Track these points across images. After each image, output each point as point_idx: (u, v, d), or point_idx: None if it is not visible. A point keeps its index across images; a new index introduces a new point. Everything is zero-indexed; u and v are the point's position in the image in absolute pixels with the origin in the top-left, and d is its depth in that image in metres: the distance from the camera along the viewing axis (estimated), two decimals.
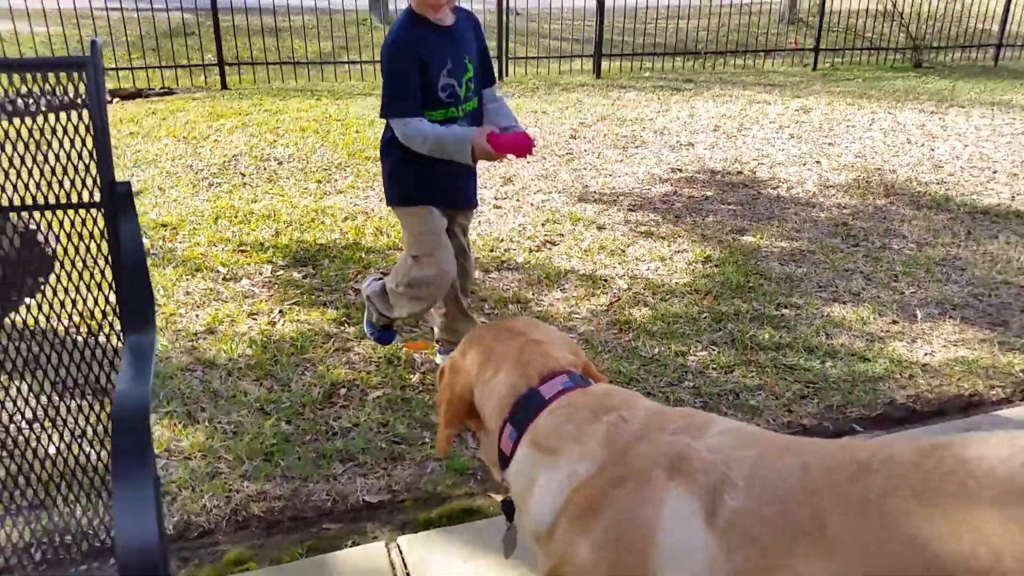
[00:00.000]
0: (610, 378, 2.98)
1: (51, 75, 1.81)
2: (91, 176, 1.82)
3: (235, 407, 2.75)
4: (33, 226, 3.47)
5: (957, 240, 4.41)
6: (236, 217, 4.44)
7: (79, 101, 1.82)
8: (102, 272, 1.90)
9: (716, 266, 4.01)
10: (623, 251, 4.18)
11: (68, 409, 2.01)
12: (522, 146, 2.51)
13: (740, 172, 5.58)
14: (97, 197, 1.83)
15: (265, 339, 3.18)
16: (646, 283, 3.82)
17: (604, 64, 9.37)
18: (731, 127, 6.82)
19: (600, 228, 4.49)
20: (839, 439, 1.54)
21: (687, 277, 3.89)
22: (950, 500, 1.13)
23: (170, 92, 7.87)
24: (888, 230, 4.54)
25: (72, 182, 1.83)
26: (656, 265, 4.02)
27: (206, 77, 8.34)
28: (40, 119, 1.84)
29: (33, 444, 2.15)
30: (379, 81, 3.36)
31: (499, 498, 1.62)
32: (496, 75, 3.00)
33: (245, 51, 9.08)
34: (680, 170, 5.59)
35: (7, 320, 2.21)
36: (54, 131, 1.82)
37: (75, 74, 1.81)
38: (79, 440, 2.03)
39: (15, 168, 1.81)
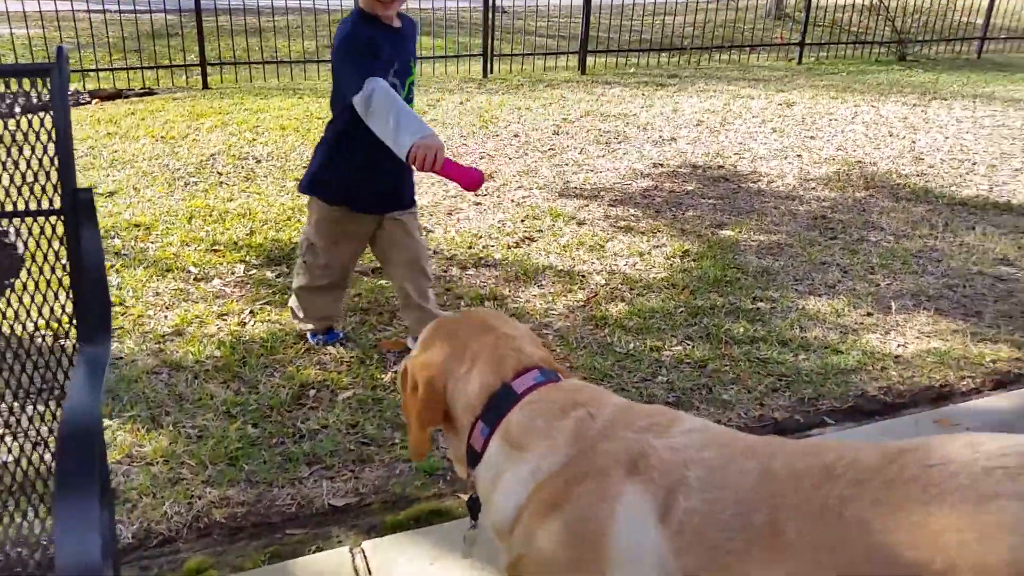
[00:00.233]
0: (584, 375, 2.97)
1: (15, 81, 1.79)
2: (52, 183, 1.79)
3: (200, 410, 2.72)
4: (1, 230, 3.43)
5: (935, 232, 4.40)
6: (211, 216, 4.40)
7: (43, 107, 1.80)
8: (60, 281, 1.88)
9: (694, 260, 4.00)
10: (602, 247, 4.16)
11: (17, 417, 1.98)
12: (473, 180, 2.47)
13: (721, 166, 5.56)
14: (58, 204, 1.81)
15: (234, 340, 3.15)
16: (624, 278, 3.80)
17: (589, 60, 9.35)
18: (714, 122, 6.80)
19: (580, 224, 4.47)
20: (808, 440, 1.52)
21: (665, 272, 3.87)
22: (910, 507, 1.12)
23: (151, 92, 7.82)
24: (866, 222, 4.53)
25: (31, 189, 1.80)
26: (634, 260, 4.00)
27: (187, 77, 8.29)
28: (1, 125, 1.82)
29: None
30: None
31: (466, 497, 1.59)
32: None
33: (228, 51, 9.02)
34: (662, 165, 5.57)
35: None
36: (14, 138, 1.80)
37: (39, 81, 1.79)
38: (38, 447, 2.00)
39: None
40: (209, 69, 8.17)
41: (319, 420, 2.71)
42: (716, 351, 3.17)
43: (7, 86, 1.80)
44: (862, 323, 3.40)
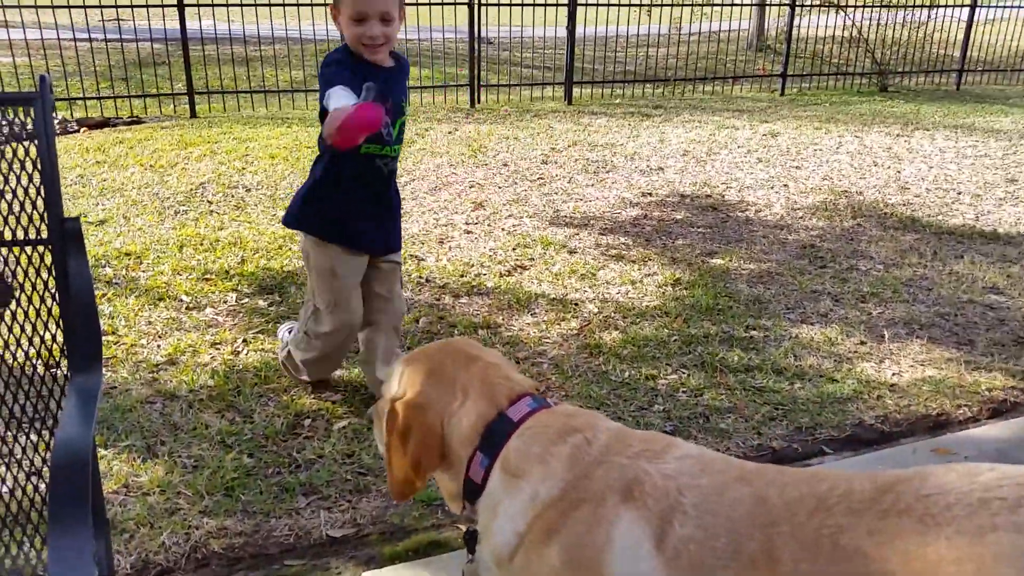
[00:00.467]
0: (580, 403, 2.96)
1: None
2: (38, 212, 1.78)
3: (196, 440, 2.69)
4: None
5: (923, 260, 4.45)
6: (202, 245, 4.38)
7: (27, 137, 1.79)
8: (49, 310, 1.85)
9: (686, 289, 4.01)
10: (594, 275, 4.17)
11: (20, 447, 1.94)
12: (367, 120, 2.04)
13: (709, 196, 5.61)
14: (45, 233, 1.79)
15: (228, 369, 3.12)
16: (616, 306, 3.80)
17: (575, 91, 9.44)
18: (700, 152, 6.87)
19: (571, 252, 4.48)
20: (802, 468, 1.52)
21: (657, 300, 3.88)
22: (905, 538, 1.12)
23: (138, 121, 7.81)
24: (855, 251, 4.57)
25: (18, 219, 1.79)
26: (626, 288, 4.01)
27: (175, 106, 8.29)
28: None
29: None
30: None
31: (464, 528, 1.56)
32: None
33: (215, 80, 9.04)
34: (650, 194, 5.61)
35: None
36: None
37: (23, 110, 1.78)
38: (30, 477, 1.96)
39: None
40: (197, 98, 8.19)
41: (315, 450, 2.68)
42: (711, 379, 3.18)
43: None
44: (856, 352, 3.42)
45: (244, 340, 3.35)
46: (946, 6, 10.89)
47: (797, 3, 10.34)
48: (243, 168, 5.95)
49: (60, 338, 1.79)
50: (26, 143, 1.81)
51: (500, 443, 1.41)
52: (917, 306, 3.86)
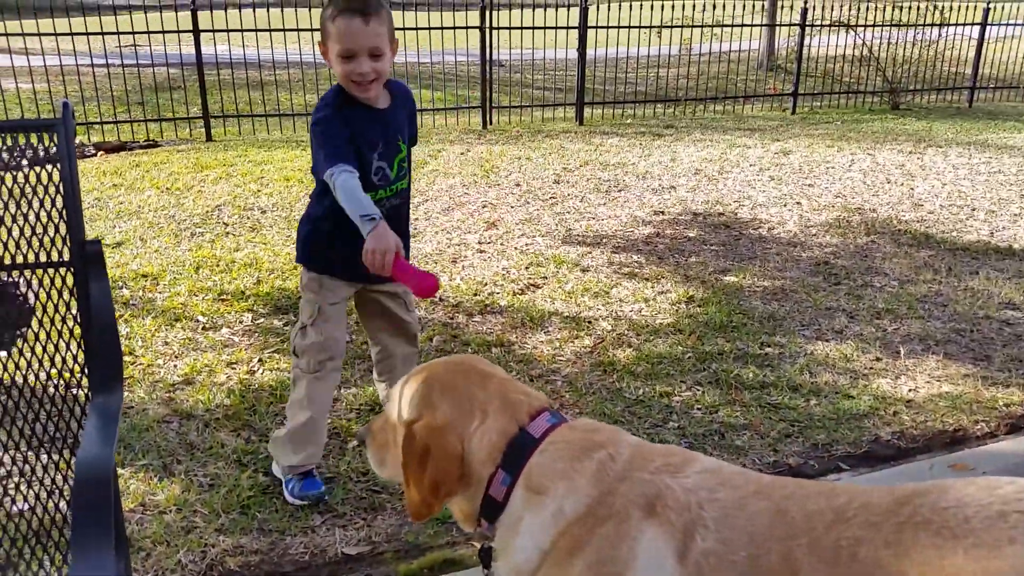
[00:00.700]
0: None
1: (22, 137, 1.82)
2: (60, 235, 1.81)
3: (212, 459, 2.70)
4: (10, 280, 3.44)
5: (938, 276, 4.43)
6: (218, 266, 4.42)
7: (50, 161, 1.82)
8: (71, 331, 1.88)
9: (699, 306, 4.01)
10: (607, 293, 4.17)
11: (42, 465, 1.96)
12: (427, 287, 2.12)
13: (722, 214, 5.62)
14: (67, 256, 1.82)
15: (244, 388, 3.14)
16: (630, 324, 3.81)
17: (586, 112, 9.49)
18: (712, 170, 6.89)
19: (584, 270, 4.49)
20: (820, 481, 1.52)
21: (671, 317, 3.88)
22: (923, 550, 1.12)
23: (155, 145, 7.90)
24: (870, 268, 4.56)
25: (42, 241, 1.82)
26: (640, 306, 4.01)
27: (191, 130, 8.39)
28: (9, 179, 1.84)
29: (1, 500, 2.10)
30: None
31: (478, 545, 1.54)
32: (416, 138, 2.67)
33: (230, 104, 9.15)
34: (662, 212, 5.63)
35: None
36: (23, 191, 1.82)
37: (46, 135, 1.82)
38: (50, 497, 1.98)
39: None
40: (212, 122, 8.28)
41: (330, 468, 2.69)
42: (726, 396, 3.17)
43: (15, 141, 1.83)
44: (872, 368, 3.40)
45: (260, 360, 3.37)
46: (957, 24, 10.90)
47: (807, 23, 10.38)
48: (258, 190, 6.01)
49: (81, 358, 1.82)
50: (48, 167, 1.85)
51: (522, 460, 1.39)
52: (932, 322, 3.84)
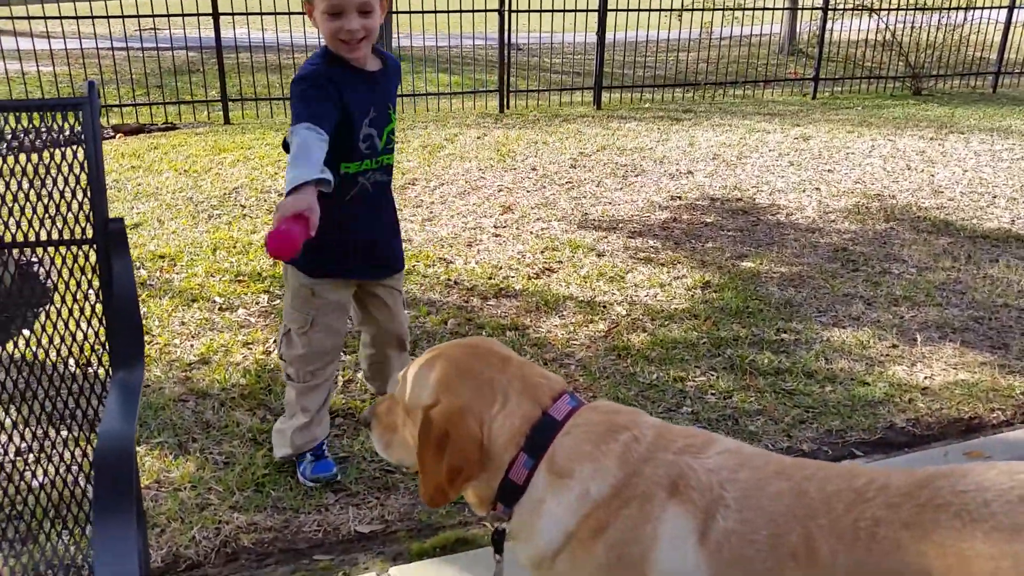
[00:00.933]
0: None
1: (48, 115, 1.84)
2: (84, 213, 1.83)
3: (227, 437, 2.73)
4: (28, 260, 3.48)
5: (957, 264, 4.38)
6: (235, 248, 4.44)
7: (75, 140, 1.84)
8: (92, 307, 1.90)
9: (715, 292, 3.99)
10: (622, 277, 4.16)
11: (56, 442, 1.99)
12: (277, 242, 1.78)
13: (740, 199, 5.58)
14: (90, 234, 1.85)
15: (259, 368, 3.16)
16: (645, 309, 3.80)
17: (604, 96, 9.44)
18: (731, 155, 6.84)
19: (599, 255, 4.48)
20: (840, 463, 1.52)
21: (686, 303, 3.87)
22: (942, 533, 1.13)
23: (173, 127, 7.94)
24: (888, 255, 4.52)
25: (66, 219, 1.84)
26: (655, 291, 4.00)
27: (209, 112, 8.42)
28: (36, 158, 1.86)
29: (19, 477, 2.13)
30: None
31: (492, 527, 1.52)
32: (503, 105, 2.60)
33: (248, 87, 9.18)
34: (680, 197, 5.60)
35: (1, 351, 2.20)
36: (48, 170, 1.84)
37: (72, 115, 1.83)
38: (64, 474, 2.01)
39: (7, 205, 1.83)
40: (230, 104, 8.31)
41: (343, 448, 2.71)
42: (740, 382, 3.16)
43: (42, 120, 1.85)
44: (888, 355, 3.38)
45: (275, 340, 3.39)
46: (982, 8, 10.73)
47: (829, 7, 10.25)
48: (275, 173, 6.03)
49: (102, 335, 1.84)
50: (72, 147, 1.87)
51: (546, 443, 1.38)
52: (950, 310, 3.81)
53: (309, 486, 2.50)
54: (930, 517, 1.14)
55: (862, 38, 11.14)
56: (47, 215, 1.86)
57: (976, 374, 3.22)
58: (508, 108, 9.01)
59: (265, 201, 5.35)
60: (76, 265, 1.88)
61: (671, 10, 10.12)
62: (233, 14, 8.36)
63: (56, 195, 1.85)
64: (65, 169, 1.83)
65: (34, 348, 1.91)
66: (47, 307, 1.98)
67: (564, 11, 9.45)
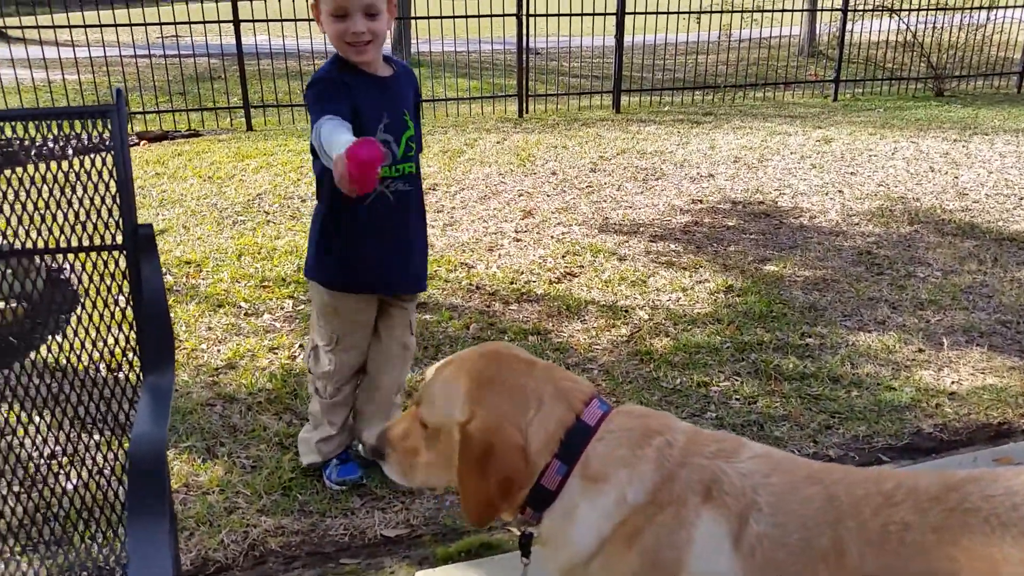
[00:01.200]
0: None
1: (77, 123, 1.87)
2: (114, 219, 1.86)
3: (254, 441, 2.75)
4: (56, 267, 3.53)
5: (983, 267, 4.34)
6: (259, 254, 4.48)
7: (104, 147, 1.87)
8: (123, 312, 1.93)
9: (738, 296, 3.98)
10: (644, 282, 4.16)
11: (88, 446, 2.02)
12: (364, 161, 1.75)
13: (762, 202, 5.56)
14: (120, 239, 1.87)
15: (285, 373, 3.19)
16: (667, 313, 3.79)
17: (623, 99, 9.43)
18: (752, 158, 6.81)
19: (621, 259, 4.48)
20: (868, 468, 1.51)
21: (709, 307, 3.86)
22: (970, 537, 1.13)
23: (196, 134, 8.02)
24: (913, 258, 4.49)
25: (95, 225, 1.87)
26: (677, 295, 3.99)
27: (232, 119, 8.50)
28: (66, 165, 1.89)
29: (52, 480, 2.16)
30: None
31: (520, 531, 1.52)
32: (422, 144, 2.46)
33: (270, 94, 9.26)
34: (701, 201, 5.58)
35: (30, 357, 2.24)
36: (78, 176, 1.87)
37: (100, 122, 1.86)
38: (98, 476, 2.04)
39: (39, 212, 1.86)
40: (253, 111, 8.38)
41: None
42: (765, 387, 3.14)
43: (71, 127, 1.88)
44: (914, 359, 3.35)
45: (300, 345, 3.42)
46: (1005, 7, 10.62)
47: (849, 8, 10.19)
48: (298, 179, 6.08)
49: (132, 339, 1.86)
50: (100, 154, 1.90)
51: (579, 449, 1.36)
52: (977, 313, 3.77)
53: (336, 490, 2.52)
54: (958, 521, 1.14)
55: (883, 39, 11.06)
56: (77, 221, 1.89)
57: (1005, 379, 3.19)
58: (527, 112, 9.03)
59: (288, 207, 5.39)
60: (107, 271, 1.90)
61: (690, 12, 10.10)
62: (254, 21, 8.44)
63: (86, 202, 1.87)
64: (95, 176, 1.86)
65: (66, 353, 1.94)
66: (76, 313, 2.01)
67: (582, 15, 9.45)
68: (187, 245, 4.63)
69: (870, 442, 2.81)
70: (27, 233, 1.87)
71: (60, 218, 1.84)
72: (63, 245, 1.91)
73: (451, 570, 2.20)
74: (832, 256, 4.52)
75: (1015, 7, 10.62)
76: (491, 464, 1.34)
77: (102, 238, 1.89)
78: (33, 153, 1.93)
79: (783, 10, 10.80)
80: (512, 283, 4.14)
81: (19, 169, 1.90)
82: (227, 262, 4.35)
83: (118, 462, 2.04)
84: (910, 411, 2.98)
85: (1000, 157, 6.75)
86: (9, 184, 1.85)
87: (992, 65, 10.90)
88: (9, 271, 1.95)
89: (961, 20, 10.55)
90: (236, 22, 8.14)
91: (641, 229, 4.98)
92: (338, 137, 1.93)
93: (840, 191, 5.80)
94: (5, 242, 1.89)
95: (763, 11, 10.61)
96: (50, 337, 2.20)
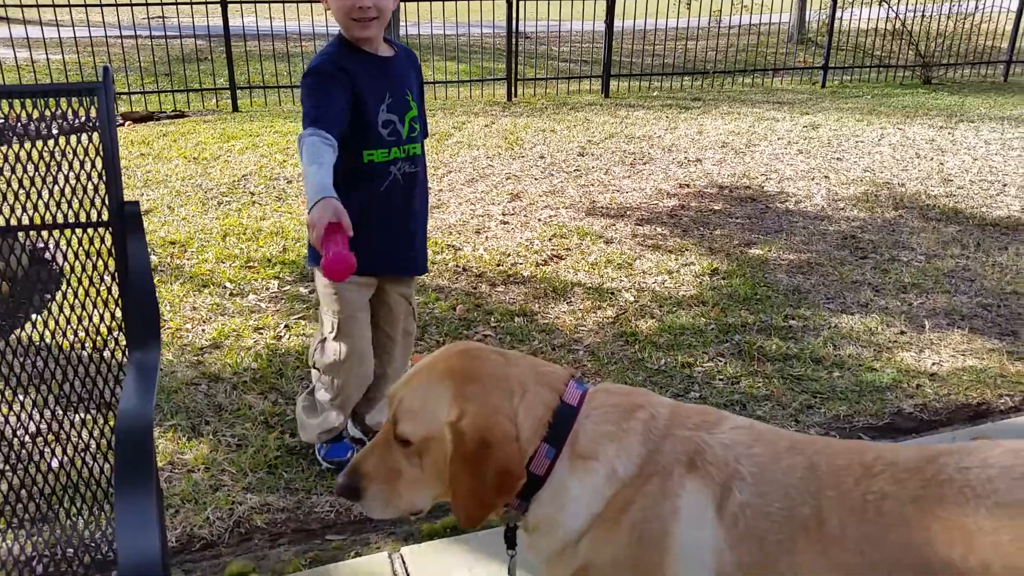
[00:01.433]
0: None
1: (64, 100, 1.85)
2: (100, 196, 1.85)
3: (239, 420, 2.76)
4: (41, 245, 3.52)
5: (966, 252, 4.38)
6: (244, 235, 4.47)
7: (90, 125, 1.86)
8: (108, 289, 1.93)
9: (723, 278, 4.00)
10: (630, 264, 4.17)
11: (72, 423, 2.02)
12: (335, 266, 1.85)
13: (748, 187, 5.58)
14: (106, 216, 1.86)
15: (270, 353, 3.19)
16: (653, 295, 3.81)
17: (612, 84, 9.42)
18: (739, 143, 6.83)
19: (607, 242, 4.49)
20: (849, 440, 1.53)
21: (694, 289, 3.88)
22: (946, 507, 1.16)
23: (182, 115, 7.96)
24: (897, 242, 4.52)
25: (81, 202, 1.86)
26: (663, 278, 4.01)
27: (217, 100, 8.44)
28: (52, 143, 1.88)
29: (36, 458, 2.16)
30: None
31: (504, 523, 1.49)
32: (428, 129, 2.49)
33: (257, 75, 9.19)
34: (688, 185, 5.60)
35: (13, 336, 2.23)
36: (64, 153, 1.86)
37: (87, 99, 1.85)
38: (82, 454, 2.04)
39: (24, 190, 1.85)
40: (239, 93, 8.32)
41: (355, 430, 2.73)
42: (748, 368, 3.17)
43: (57, 104, 1.87)
44: (896, 341, 3.39)
45: (286, 325, 3.42)
46: None
47: None
48: (284, 161, 6.05)
49: (117, 318, 1.86)
50: (84, 134, 1.89)
51: (566, 430, 1.35)
52: (959, 297, 3.81)
53: (324, 468, 2.53)
54: (935, 492, 1.17)
55: (871, 27, 11.08)
56: (63, 198, 1.88)
57: (984, 360, 3.23)
58: (516, 96, 9.01)
59: (273, 188, 5.37)
60: (92, 248, 1.90)
61: None
62: (241, 2, 8.36)
63: (72, 179, 1.87)
64: (80, 152, 1.85)
65: (51, 331, 1.94)
66: (62, 290, 2.01)
67: None
68: (172, 225, 4.61)
69: (851, 421, 2.84)
70: (11, 210, 1.86)
71: (46, 195, 1.83)
72: (48, 222, 1.90)
73: (436, 546, 2.22)
74: (817, 240, 4.55)
75: None
76: (488, 459, 1.30)
77: (88, 215, 1.89)
78: (18, 129, 1.91)
79: None
80: (499, 265, 4.15)
81: (4, 147, 1.89)
82: (212, 243, 4.34)
83: (104, 439, 2.04)
84: (891, 391, 3.01)
85: (985, 144, 6.80)
86: None
87: (980, 54, 10.94)
88: None
89: (950, 9, 10.58)
90: (223, 2, 8.07)
91: (628, 213, 4.99)
92: (318, 173, 1.95)
93: (826, 176, 5.83)
94: None
95: None
96: (34, 315, 2.19)
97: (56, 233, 1.93)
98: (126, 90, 8.26)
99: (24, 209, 1.86)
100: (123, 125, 7.48)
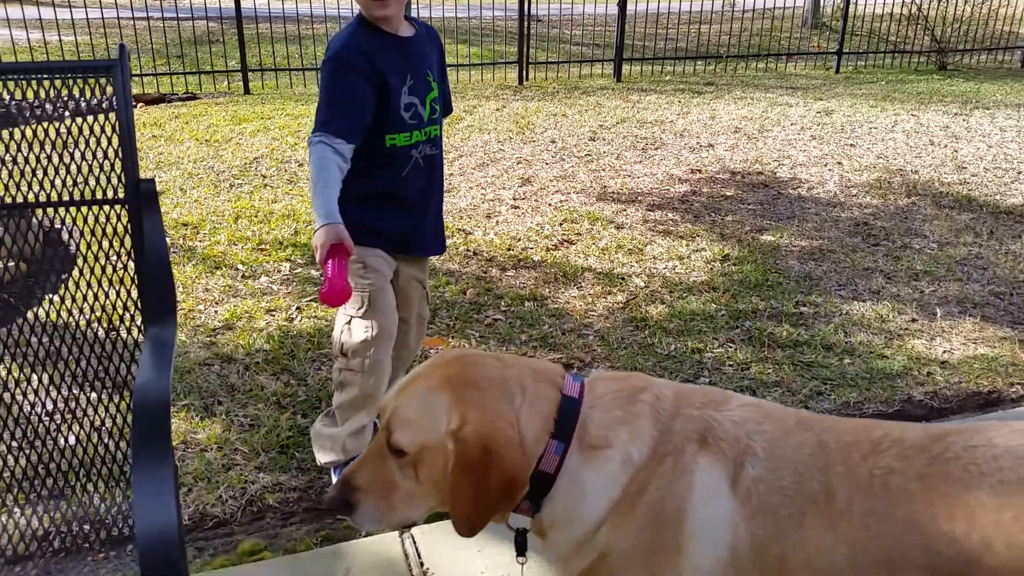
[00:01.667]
0: None
1: (80, 79, 1.86)
2: (116, 174, 1.86)
3: (252, 401, 2.78)
4: (57, 225, 3.53)
5: (979, 239, 4.36)
6: (256, 217, 4.48)
7: (106, 103, 1.87)
8: (124, 267, 1.94)
9: (734, 264, 4.00)
10: (641, 250, 4.17)
11: (88, 401, 2.05)
12: (332, 295, 1.97)
13: (760, 173, 5.56)
14: (122, 194, 1.88)
15: (282, 334, 3.21)
16: (663, 281, 3.81)
17: (624, 68, 9.37)
18: (752, 129, 6.79)
19: (618, 227, 4.49)
20: (856, 419, 1.53)
21: (705, 275, 3.88)
22: (951, 484, 1.18)
23: (193, 97, 7.97)
24: (909, 230, 4.50)
25: (98, 180, 1.87)
26: (674, 263, 4.01)
27: (229, 83, 8.44)
28: (68, 121, 1.89)
29: (53, 436, 2.19)
30: None
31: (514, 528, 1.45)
32: (451, 106, 2.49)
33: (268, 58, 9.18)
34: (699, 171, 5.58)
35: (30, 314, 2.26)
36: (81, 132, 1.87)
37: (103, 78, 1.86)
38: (98, 431, 2.06)
39: (42, 167, 1.86)
40: (250, 75, 8.32)
41: None
42: (758, 354, 3.17)
43: (74, 82, 1.88)
44: (907, 329, 3.38)
45: (298, 307, 3.44)
46: None
47: None
48: (296, 143, 6.06)
49: (133, 296, 1.88)
50: (105, 108, 1.90)
51: (572, 423, 1.33)
52: (971, 285, 3.79)
53: None
54: (940, 470, 1.19)
55: (887, 12, 10.97)
56: (80, 175, 1.89)
57: (996, 348, 3.22)
58: (527, 80, 8.97)
59: (285, 171, 5.38)
60: (109, 225, 1.91)
61: None
62: None
63: (88, 156, 1.88)
64: (97, 130, 1.86)
65: (68, 310, 1.96)
66: (79, 267, 2.02)
67: None
68: (184, 207, 4.63)
69: (861, 408, 2.84)
70: (29, 187, 1.88)
71: (63, 172, 1.85)
72: (64, 199, 1.92)
73: (446, 526, 2.22)
74: (829, 227, 4.53)
75: None
76: (492, 467, 1.26)
77: (104, 193, 1.90)
78: (36, 107, 1.93)
79: None
80: (509, 249, 4.15)
81: (21, 124, 1.90)
82: (224, 225, 4.36)
83: (119, 415, 2.06)
84: (901, 379, 3.01)
85: (1000, 131, 6.74)
86: (12, 137, 1.85)
87: (996, 39, 10.83)
88: (11, 226, 1.96)
89: None
90: None
91: (639, 198, 4.99)
92: (323, 194, 2.03)
93: (839, 163, 5.80)
94: (7, 194, 1.89)
95: None
96: (50, 294, 2.21)
97: (73, 211, 1.95)
98: (138, 72, 8.26)
99: (41, 186, 1.88)
100: (135, 107, 7.49)
